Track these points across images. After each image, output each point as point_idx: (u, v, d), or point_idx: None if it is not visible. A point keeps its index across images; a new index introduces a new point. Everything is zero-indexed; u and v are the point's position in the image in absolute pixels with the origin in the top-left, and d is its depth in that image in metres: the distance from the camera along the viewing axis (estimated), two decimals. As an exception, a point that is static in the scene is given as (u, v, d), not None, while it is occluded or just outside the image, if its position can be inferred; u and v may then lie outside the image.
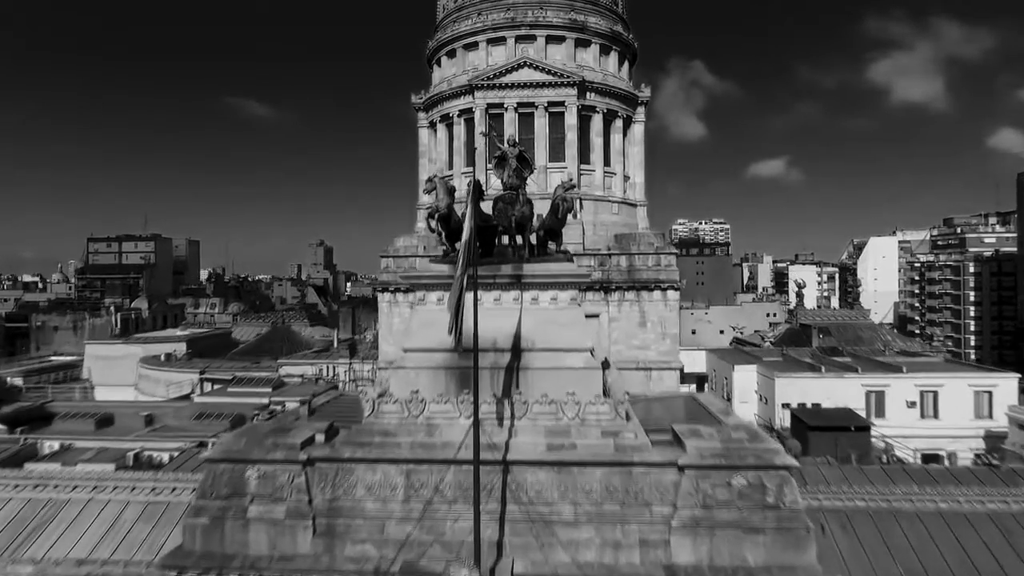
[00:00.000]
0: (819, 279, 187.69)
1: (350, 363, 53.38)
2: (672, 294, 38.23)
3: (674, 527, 14.17)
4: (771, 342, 73.19)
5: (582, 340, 16.96)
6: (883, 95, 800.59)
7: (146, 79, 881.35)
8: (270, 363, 56.49)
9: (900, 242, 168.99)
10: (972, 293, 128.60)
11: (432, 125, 44.56)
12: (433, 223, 17.96)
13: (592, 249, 38.69)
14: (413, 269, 37.01)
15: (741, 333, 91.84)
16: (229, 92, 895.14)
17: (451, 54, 43.07)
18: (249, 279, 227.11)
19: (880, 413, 43.36)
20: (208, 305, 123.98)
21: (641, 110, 43.93)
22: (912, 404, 43.69)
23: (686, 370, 42.67)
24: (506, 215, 17.56)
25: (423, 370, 16.70)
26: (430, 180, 18.23)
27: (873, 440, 31.93)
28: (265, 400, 39.90)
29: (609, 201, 41.57)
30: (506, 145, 18.39)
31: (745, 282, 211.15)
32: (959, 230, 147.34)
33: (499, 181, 18.30)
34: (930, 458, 39.98)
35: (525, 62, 39.68)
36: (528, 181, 18.46)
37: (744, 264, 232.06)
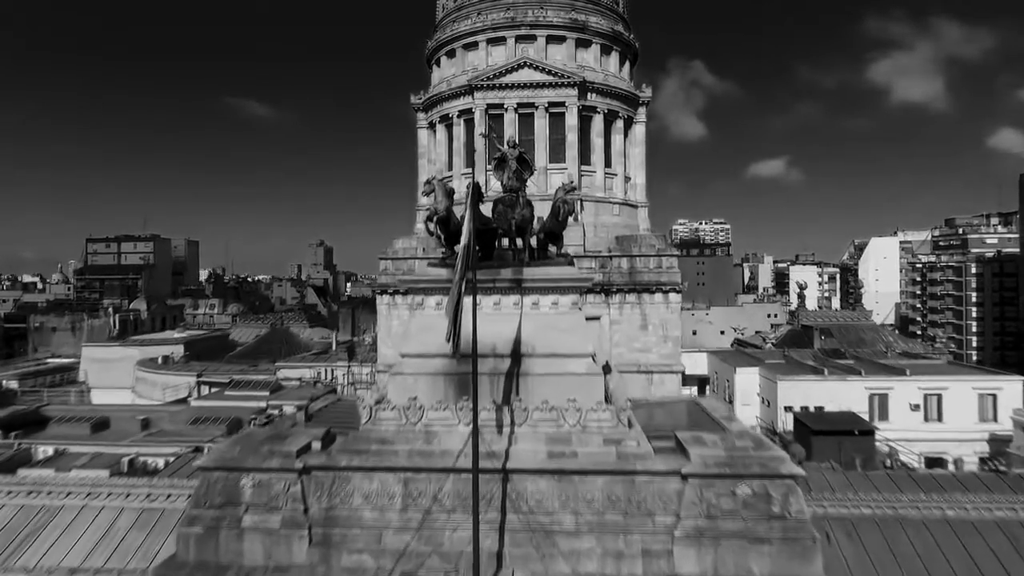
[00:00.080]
0: (820, 279, 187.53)
1: (349, 366, 53.11)
2: (674, 296, 37.98)
3: (677, 537, 13.88)
4: (773, 343, 73.04)
5: (583, 345, 16.66)
6: (883, 95, 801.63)
7: (146, 79, 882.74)
8: (268, 366, 56.22)
9: (901, 243, 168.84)
10: (974, 294, 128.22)
11: (431, 126, 44.29)
12: (432, 226, 17.63)
13: (593, 251, 38.43)
14: (412, 272, 36.75)
15: (742, 334, 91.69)
16: (229, 92, 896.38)
17: (451, 54, 42.79)
18: (249, 279, 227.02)
19: (883, 416, 43.03)
20: (207, 306, 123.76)
21: (642, 110, 43.66)
22: (916, 407, 43.32)
23: (687, 372, 42.45)
24: (506, 218, 17.27)
25: (421, 376, 16.40)
26: (428, 182, 17.90)
27: (876, 444, 31.63)
28: (262, 404, 39.61)
29: (610, 202, 41.31)
30: (506, 147, 18.08)
31: (746, 282, 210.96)
32: (961, 231, 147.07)
33: (499, 183, 18.02)
34: (934, 462, 39.69)
35: (525, 62, 39.40)
36: (528, 183, 18.18)
37: (745, 264, 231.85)
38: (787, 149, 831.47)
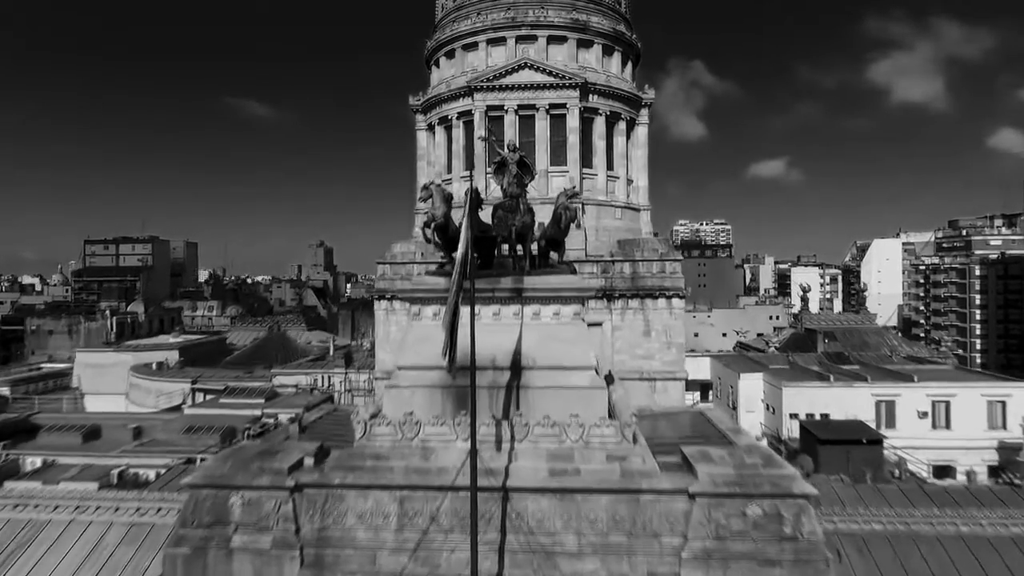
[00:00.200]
0: (822, 281, 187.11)
1: (346, 373, 52.42)
2: (677, 302, 37.36)
3: (685, 559, 13.32)
4: (776, 347, 72.47)
5: (586, 357, 16.07)
6: (883, 95, 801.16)
7: (146, 79, 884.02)
8: (264, 372, 55.64)
9: (904, 244, 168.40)
10: (978, 296, 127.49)
11: (430, 127, 43.67)
12: (429, 232, 16.93)
13: (595, 255, 37.82)
14: (410, 276, 36.15)
15: (744, 337, 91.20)
16: (229, 92, 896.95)
17: (450, 55, 42.19)
18: (248, 280, 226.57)
19: (890, 423, 42.28)
20: (206, 308, 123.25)
21: (644, 112, 43.03)
22: (924, 414, 42.57)
23: (690, 377, 41.79)
24: (506, 224, 16.66)
25: (418, 389, 15.82)
26: (426, 187, 17.22)
27: (885, 453, 31.05)
28: (257, 412, 38.97)
29: (612, 206, 40.70)
30: (506, 150, 17.48)
31: (747, 284, 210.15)
32: (964, 232, 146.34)
33: (499, 187, 17.43)
34: (942, 470, 39.03)
35: (525, 63, 38.79)
36: (528, 186, 17.58)
37: (746, 266, 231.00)
38: (787, 149, 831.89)
